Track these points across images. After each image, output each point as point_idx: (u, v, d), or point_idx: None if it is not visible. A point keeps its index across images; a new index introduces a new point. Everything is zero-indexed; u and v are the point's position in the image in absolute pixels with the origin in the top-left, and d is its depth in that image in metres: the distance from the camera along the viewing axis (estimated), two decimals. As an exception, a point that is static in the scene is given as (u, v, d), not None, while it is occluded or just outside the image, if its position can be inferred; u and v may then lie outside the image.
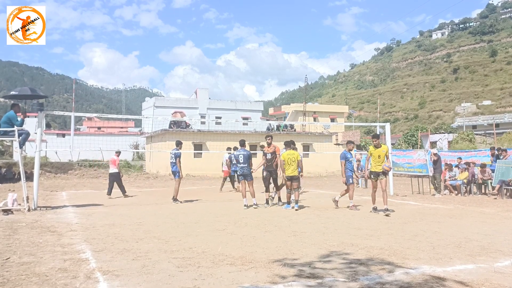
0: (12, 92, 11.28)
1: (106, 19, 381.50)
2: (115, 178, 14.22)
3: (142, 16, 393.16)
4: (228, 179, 16.45)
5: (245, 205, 10.66)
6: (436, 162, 14.65)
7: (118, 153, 14.89)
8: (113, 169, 14.33)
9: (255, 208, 10.51)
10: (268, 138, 11.39)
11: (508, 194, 13.46)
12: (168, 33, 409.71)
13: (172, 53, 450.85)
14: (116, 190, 14.18)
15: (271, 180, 11.37)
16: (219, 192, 16.00)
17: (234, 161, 11.50)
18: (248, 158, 10.95)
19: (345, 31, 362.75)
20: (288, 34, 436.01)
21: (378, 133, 11.41)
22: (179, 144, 12.60)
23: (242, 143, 11.33)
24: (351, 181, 10.66)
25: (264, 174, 11.38)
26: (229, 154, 15.17)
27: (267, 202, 11.11)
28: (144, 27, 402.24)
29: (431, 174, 14.89)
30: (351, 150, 11.17)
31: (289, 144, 10.98)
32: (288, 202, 10.70)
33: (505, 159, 14.31)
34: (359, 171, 20.02)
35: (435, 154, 14.89)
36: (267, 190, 11.32)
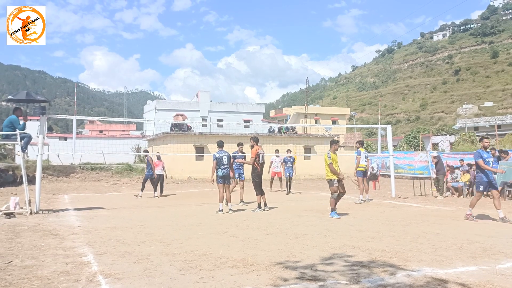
0: (9, 97, 11.55)
1: (106, 22, 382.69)
2: (161, 179, 15.94)
3: (143, 19, 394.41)
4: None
5: (220, 210, 10.22)
6: (437, 164, 14.63)
7: (159, 155, 16.92)
8: (159, 171, 15.92)
9: (231, 213, 10.13)
10: (251, 141, 10.84)
11: (510, 195, 13.43)
12: (168, 36, 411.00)
13: (173, 56, 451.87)
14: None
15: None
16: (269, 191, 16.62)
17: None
18: (230, 159, 10.62)
19: (345, 33, 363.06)
20: (288, 36, 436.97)
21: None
22: (239, 145, 12.62)
23: (221, 144, 10.75)
24: (481, 189, 8.96)
25: (257, 179, 10.77)
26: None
27: (259, 206, 10.66)
28: (145, 30, 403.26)
29: (433, 176, 14.87)
30: (487, 148, 9.28)
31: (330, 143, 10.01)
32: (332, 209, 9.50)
33: (506, 160, 14.29)
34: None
35: (435, 157, 14.89)
36: (263, 194, 10.79)
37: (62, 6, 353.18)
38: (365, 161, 12.80)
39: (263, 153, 10.94)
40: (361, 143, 13.24)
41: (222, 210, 10.25)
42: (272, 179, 17.71)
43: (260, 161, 10.76)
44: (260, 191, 10.71)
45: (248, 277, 4.48)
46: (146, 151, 16.33)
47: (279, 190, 17.63)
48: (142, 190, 15.63)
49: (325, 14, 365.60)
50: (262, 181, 10.87)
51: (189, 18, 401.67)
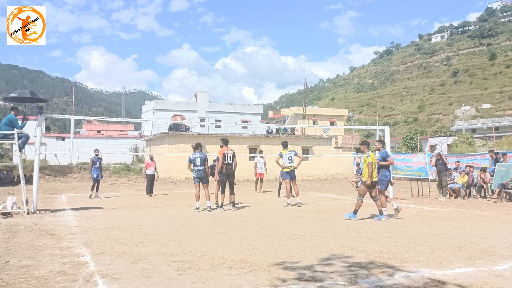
0: (12, 94, 11.16)
1: (103, 22, 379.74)
2: (152, 179, 16.39)
3: (140, 20, 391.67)
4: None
5: (197, 208, 10.77)
6: (438, 165, 14.63)
7: (151, 155, 17.54)
8: (150, 171, 16.41)
9: (209, 211, 10.56)
10: (220, 141, 11.45)
11: (507, 197, 13.47)
12: (165, 36, 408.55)
13: (170, 56, 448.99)
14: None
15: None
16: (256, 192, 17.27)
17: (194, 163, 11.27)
18: (204, 161, 11.00)
19: (342, 34, 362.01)
20: (285, 37, 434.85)
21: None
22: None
23: (198, 146, 11.42)
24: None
25: (223, 177, 11.13)
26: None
27: (221, 206, 11.13)
28: (142, 30, 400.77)
29: (431, 177, 14.88)
30: (379, 150, 9.66)
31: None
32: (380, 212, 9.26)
33: (505, 162, 14.34)
34: (358, 175, 20.05)
35: (436, 156, 14.88)
36: (223, 193, 11.29)
37: (59, 6, 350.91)
38: (289, 162, 11.75)
39: (232, 153, 11.28)
40: (284, 144, 12.27)
41: (199, 208, 10.72)
42: (257, 180, 17.72)
43: (227, 161, 11.10)
44: (223, 191, 11.25)
45: (246, 278, 4.48)
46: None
47: (271, 191, 17.69)
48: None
49: (322, 15, 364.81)
50: (233, 181, 11.36)
51: (186, 18, 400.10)
